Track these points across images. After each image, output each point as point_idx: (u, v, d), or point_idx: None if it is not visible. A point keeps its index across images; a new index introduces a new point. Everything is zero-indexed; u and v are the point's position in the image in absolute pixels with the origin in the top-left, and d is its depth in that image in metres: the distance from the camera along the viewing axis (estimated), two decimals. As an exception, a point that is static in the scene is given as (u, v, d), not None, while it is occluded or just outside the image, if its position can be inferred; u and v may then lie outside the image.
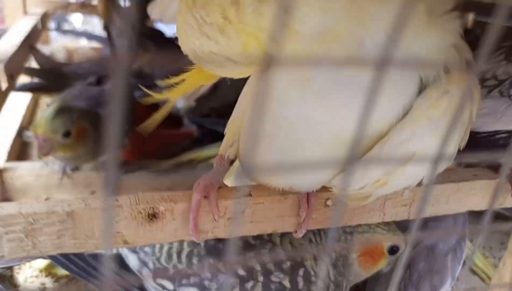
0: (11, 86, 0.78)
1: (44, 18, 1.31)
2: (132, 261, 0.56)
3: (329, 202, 0.47)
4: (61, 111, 0.70)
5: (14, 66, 0.83)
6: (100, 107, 0.77)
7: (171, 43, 0.97)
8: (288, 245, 0.57)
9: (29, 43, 1.01)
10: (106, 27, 1.02)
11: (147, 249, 0.56)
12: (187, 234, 0.43)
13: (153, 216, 0.41)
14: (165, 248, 0.56)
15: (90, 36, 1.48)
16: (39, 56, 0.96)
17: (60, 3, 1.43)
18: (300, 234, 0.46)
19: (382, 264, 0.59)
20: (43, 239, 0.39)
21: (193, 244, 0.55)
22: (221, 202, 0.43)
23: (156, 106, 0.42)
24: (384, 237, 0.58)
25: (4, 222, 0.37)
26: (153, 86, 0.43)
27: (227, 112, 0.47)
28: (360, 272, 0.59)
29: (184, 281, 0.55)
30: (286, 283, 0.53)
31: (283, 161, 0.40)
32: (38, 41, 1.17)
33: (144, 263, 0.56)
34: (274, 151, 0.39)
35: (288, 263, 0.54)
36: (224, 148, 0.46)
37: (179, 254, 0.55)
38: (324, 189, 0.44)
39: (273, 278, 0.54)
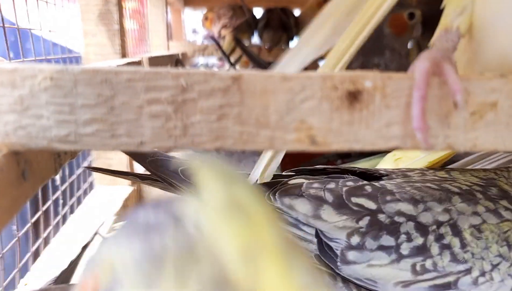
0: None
1: (184, 56, 1.35)
2: None
3: None
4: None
5: (156, 65, 0.81)
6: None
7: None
8: None
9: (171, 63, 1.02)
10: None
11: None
12: (407, 133, 0.27)
13: (354, 97, 0.26)
14: None
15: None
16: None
17: (198, 46, 1.47)
18: None
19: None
20: (198, 119, 0.26)
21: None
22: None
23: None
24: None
25: (146, 84, 0.25)
26: None
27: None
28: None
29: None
30: None
31: None
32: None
33: None
34: None
35: None
36: (451, 18, 0.30)
37: None
38: None
39: None
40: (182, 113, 0.26)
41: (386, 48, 0.76)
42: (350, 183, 0.41)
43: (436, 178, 0.41)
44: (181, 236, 0.14)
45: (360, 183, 0.41)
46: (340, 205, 0.38)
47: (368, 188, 0.40)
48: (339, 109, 0.26)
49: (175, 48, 1.36)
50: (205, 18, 1.38)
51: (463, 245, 0.36)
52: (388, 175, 0.43)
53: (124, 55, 0.71)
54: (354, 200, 0.39)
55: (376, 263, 0.37)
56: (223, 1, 1.52)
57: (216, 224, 0.14)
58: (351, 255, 0.37)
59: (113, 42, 0.70)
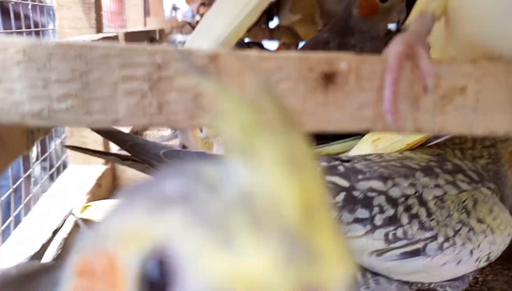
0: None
1: (161, 33, 1.32)
2: None
3: None
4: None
5: (132, 41, 0.80)
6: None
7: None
8: None
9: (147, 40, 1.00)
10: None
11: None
12: (378, 115, 0.28)
13: (329, 78, 0.27)
14: None
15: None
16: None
17: (176, 23, 1.45)
18: None
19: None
20: (173, 97, 0.26)
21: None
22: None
23: None
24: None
25: (122, 60, 0.25)
26: None
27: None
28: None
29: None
30: None
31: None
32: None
33: None
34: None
35: None
36: (426, 2, 0.31)
37: None
38: None
39: None
40: (157, 91, 0.26)
41: (354, 30, 0.76)
42: (324, 163, 0.42)
43: (395, 158, 0.44)
44: (231, 197, 0.13)
45: (333, 163, 0.42)
46: None
47: (341, 168, 0.41)
48: (314, 91, 0.27)
49: (152, 24, 1.34)
50: (185, -6, 1.35)
51: (429, 214, 0.39)
52: (350, 160, 0.44)
53: (99, 30, 0.69)
54: (328, 178, 0.40)
55: (352, 234, 0.39)
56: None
57: (273, 181, 0.13)
58: None
59: (89, 16, 0.68)
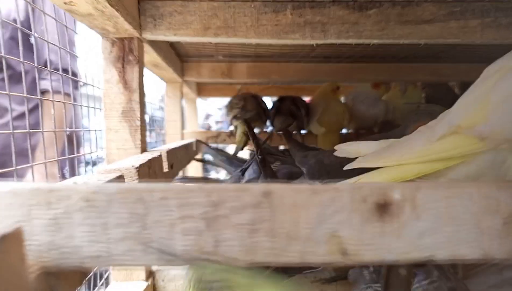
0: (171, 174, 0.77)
1: (198, 144, 1.38)
2: None
3: None
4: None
5: (174, 157, 0.84)
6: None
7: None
8: None
9: (186, 152, 1.04)
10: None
11: None
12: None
13: (383, 208, 0.27)
14: None
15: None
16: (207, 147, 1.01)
17: (211, 133, 1.52)
18: None
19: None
20: (229, 235, 0.26)
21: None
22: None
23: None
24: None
25: (179, 196, 0.26)
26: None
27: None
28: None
29: None
30: None
31: None
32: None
33: None
34: None
35: None
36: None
37: None
38: None
39: None
40: (214, 229, 0.26)
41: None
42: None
43: None
44: None
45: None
46: None
47: None
48: (369, 219, 0.26)
49: (189, 136, 1.40)
50: (225, 106, 1.43)
51: None
52: None
53: (144, 149, 0.73)
54: None
55: None
56: (233, 89, 1.60)
57: None
58: None
59: (134, 137, 0.73)
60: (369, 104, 1.28)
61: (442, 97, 1.17)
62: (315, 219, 0.26)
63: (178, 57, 1.21)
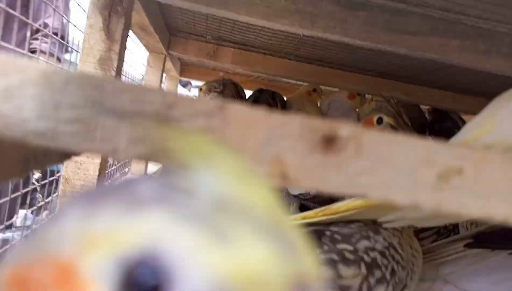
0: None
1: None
2: None
3: None
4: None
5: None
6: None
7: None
8: None
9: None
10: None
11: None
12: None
13: (329, 142, 0.28)
14: None
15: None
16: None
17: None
18: None
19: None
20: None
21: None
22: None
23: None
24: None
25: (136, 92, 0.26)
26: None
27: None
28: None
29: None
30: None
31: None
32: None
33: None
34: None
35: None
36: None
37: None
38: None
39: None
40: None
41: None
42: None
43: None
44: (205, 198, 0.14)
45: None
46: None
47: None
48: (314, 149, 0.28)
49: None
50: (200, 89, 1.44)
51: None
52: None
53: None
54: None
55: None
56: (216, 75, 1.60)
57: (239, 186, 0.14)
58: None
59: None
60: (343, 113, 1.31)
61: (413, 117, 1.21)
62: (263, 139, 0.27)
63: (167, 29, 1.21)
